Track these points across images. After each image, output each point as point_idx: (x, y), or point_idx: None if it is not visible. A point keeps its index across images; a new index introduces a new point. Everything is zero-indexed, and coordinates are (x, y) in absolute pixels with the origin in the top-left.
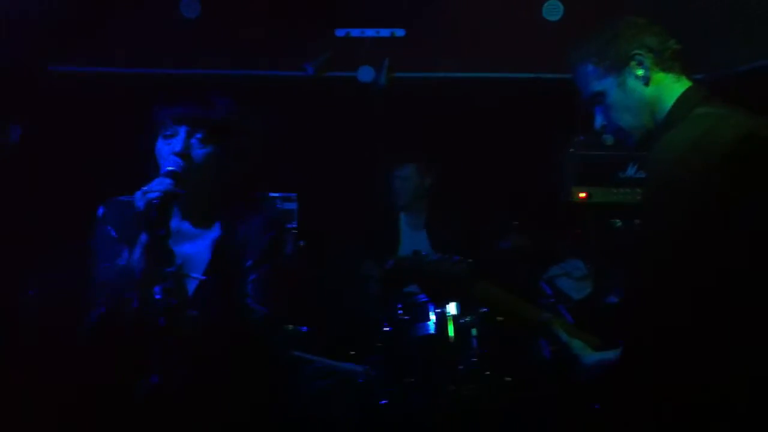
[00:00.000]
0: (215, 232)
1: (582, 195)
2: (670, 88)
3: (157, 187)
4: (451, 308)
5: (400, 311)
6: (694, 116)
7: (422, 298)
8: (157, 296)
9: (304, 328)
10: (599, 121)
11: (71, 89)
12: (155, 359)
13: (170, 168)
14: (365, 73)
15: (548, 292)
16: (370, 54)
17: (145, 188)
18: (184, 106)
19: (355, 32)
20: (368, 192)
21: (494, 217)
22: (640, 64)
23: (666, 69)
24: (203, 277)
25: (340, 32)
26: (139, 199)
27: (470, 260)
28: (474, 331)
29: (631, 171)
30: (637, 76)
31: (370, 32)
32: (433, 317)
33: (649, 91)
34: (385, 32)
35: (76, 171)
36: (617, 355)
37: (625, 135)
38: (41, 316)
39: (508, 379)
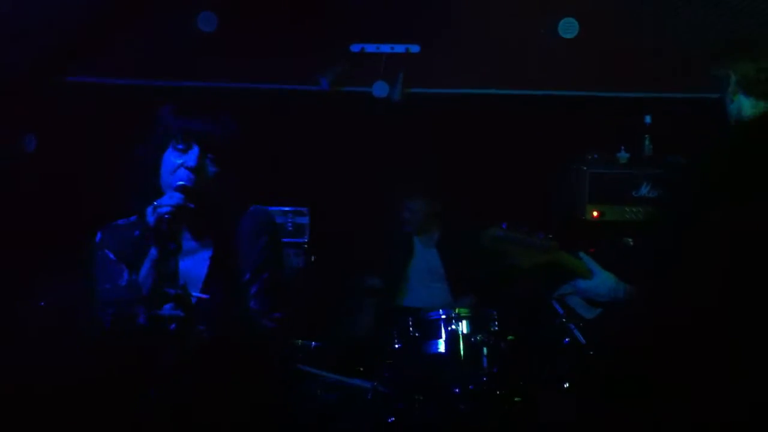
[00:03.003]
0: (211, 247)
1: (595, 213)
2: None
3: (169, 201)
4: (463, 326)
5: (410, 328)
6: None
7: (433, 315)
8: (166, 312)
9: (314, 343)
10: None
11: (88, 100)
12: (162, 372)
13: (181, 182)
14: (380, 88)
15: (559, 311)
16: (385, 69)
17: (156, 202)
18: (200, 121)
19: (370, 47)
20: (381, 208)
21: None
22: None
23: (747, 93)
24: (205, 296)
25: (355, 47)
26: (150, 213)
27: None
28: (485, 350)
29: (644, 190)
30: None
31: (384, 48)
32: (443, 335)
33: (731, 108)
34: (399, 48)
35: (90, 180)
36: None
37: None
38: (48, 326)
39: (518, 399)
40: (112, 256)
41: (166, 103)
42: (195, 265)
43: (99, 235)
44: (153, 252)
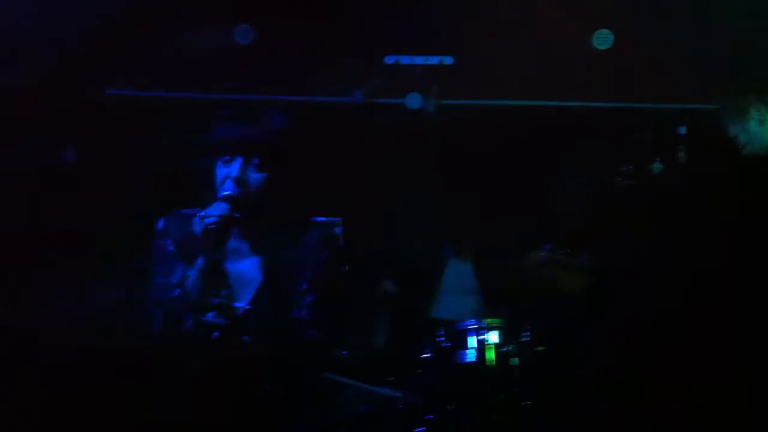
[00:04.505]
0: (269, 254)
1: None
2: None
3: (214, 212)
4: (493, 336)
5: (441, 338)
6: None
7: (464, 325)
8: (209, 320)
9: (344, 352)
10: None
11: (127, 112)
12: (202, 380)
13: (227, 193)
14: (414, 100)
15: None
16: (419, 81)
17: (202, 213)
18: (241, 129)
19: (404, 59)
20: (415, 219)
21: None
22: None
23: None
24: (248, 306)
25: (389, 59)
26: (197, 223)
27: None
28: (516, 361)
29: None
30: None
31: (418, 60)
32: (474, 344)
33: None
34: (433, 60)
35: (131, 189)
36: None
37: None
38: (88, 331)
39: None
40: (171, 247)
41: (213, 115)
42: (249, 269)
43: (162, 222)
44: (200, 261)
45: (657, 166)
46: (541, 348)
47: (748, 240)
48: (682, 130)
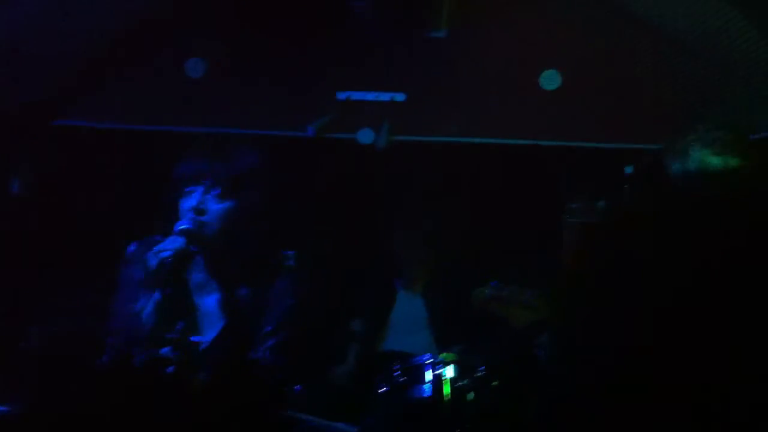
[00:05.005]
0: (237, 294)
1: (574, 262)
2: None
3: (170, 245)
4: (449, 371)
5: (396, 372)
6: None
7: (419, 360)
8: (164, 354)
9: (298, 387)
10: None
11: (76, 143)
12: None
13: (183, 226)
14: (365, 136)
15: (543, 359)
16: (370, 117)
17: (156, 248)
18: (201, 161)
19: (356, 95)
20: (365, 254)
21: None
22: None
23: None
24: (206, 340)
25: (341, 95)
26: (152, 258)
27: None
28: (471, 395)
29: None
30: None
31: (370, 96)
32: (429, 379)
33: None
34: (384, 96)
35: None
36: None
37: None
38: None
39: None
40: (139, 275)
41: (151, 149)
42: (213, 303)
43: (133, 246)
44: (157, 294)
45: (602, 205)
46: (495, 383)
47: (692, 275)
48: (628, 169)
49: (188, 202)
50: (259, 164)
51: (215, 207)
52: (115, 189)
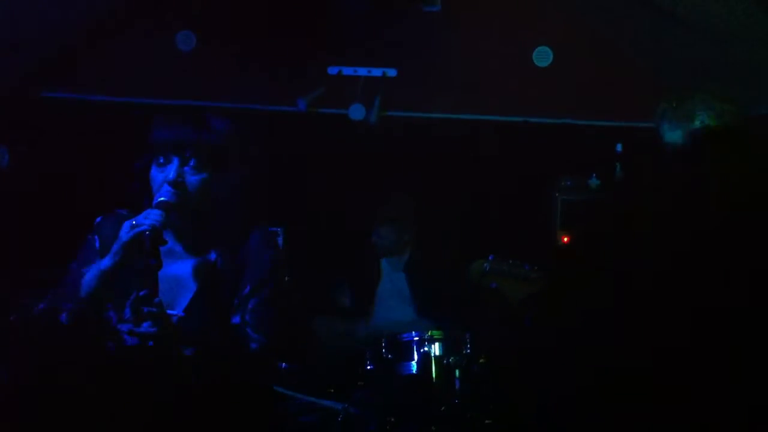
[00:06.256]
0: (208, 259)
1: (565, 239)
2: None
3: (145, 220)
4: (435, 348)
5: (383, 350)
6: None
7: (406, 337)
8: (143, 330)
9: (284, 365)
10: None
11: (64, 115)
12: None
13: (162, 198)
14: (356, 111)
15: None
16: (362, 92)
17: (134, 220)
18: (177, 130)
19: (347, 70)
20: (354, 229)
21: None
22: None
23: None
24: (181, 314)
25: (332, 70)
26: (126, 230)
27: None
28: (457, 372)
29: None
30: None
31: (362, 71)
32: (416, 357)
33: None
34: (376, 71)
35: (67, 196)
36: None
37: None
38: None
39: (489, 421)
40: (97, 244)
41: (147, 118)
42: (185, 272)
43: (99, 219)
44: (104, 262)
45: (594, 182)
46: (482, 360)
47: (688, 253)
48: (618, 147)
49: (164, 174)
50: (238, 135)
51: (193, 179)
52: (89, 160)
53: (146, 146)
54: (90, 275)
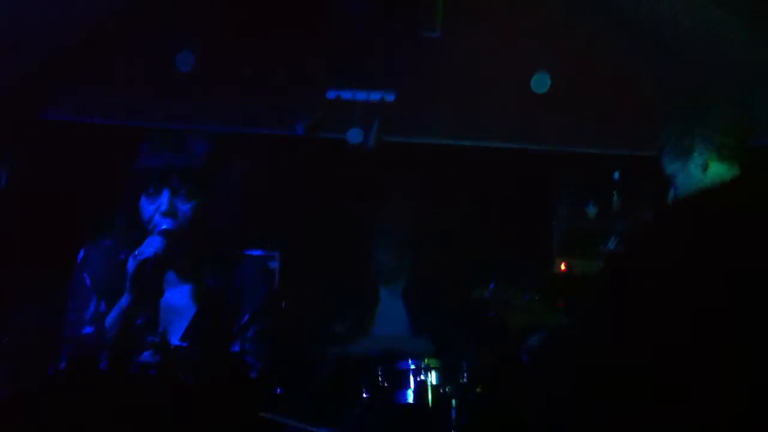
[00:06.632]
0: (204, 285)
1: (563, 266)
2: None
3: (149, 248)
4: (432, 377)
5: (380, 377)
6: None
7: (403, 365)
8: (145, 359)
9: (279, 390)
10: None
11: (62, 138)
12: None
13: (165, 227)
14: (355, 135)
15: (527, 362)
16: (360, 117)
17: (136, 252)
18: (162, 158)
19: (345, 95)
20: (351, 256)
21: (474, 286)
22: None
23: (721, 159)
24: (185, 343)
25: (331, 94)
26: (131, 261)
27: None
28: (453, 402)
29: (612, 243)
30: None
31: (360, 95)
32: (412, 385)
33: (700, 175)
34: (375, 95)
35: (59, 219)
36: None
37: None
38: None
39: None
40: (88, 282)
41: (135, 144)
42: (182, 301)
43: (82, 253)
44: (125, 300)
45: (591, 210)
46: (479, 390)
47: (689, 279)
48: (616, 175)
49: (155, 205)
50: (224, 158)
51: (185, 208)
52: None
53: (133, 174)
54: (112, 317)
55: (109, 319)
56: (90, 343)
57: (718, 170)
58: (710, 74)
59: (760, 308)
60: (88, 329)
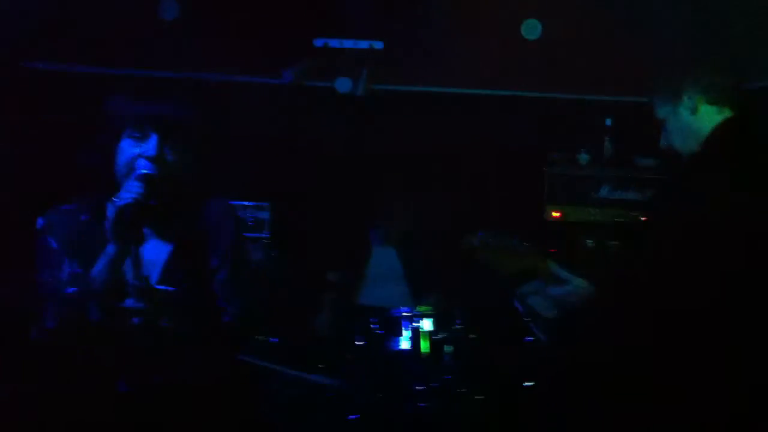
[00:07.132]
0: (175, 236)
1: (556, 214)
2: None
3: (130, 193)
4: (426, 324)
5: (374, 325)
6: None
7: (397, 313)
8: (128, 305)
9: (274, 339)
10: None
11: (44, 87)
12: (124, 367)
13: (144, 171)
14: (343, 84)
15: (520, 309)
16: (349, 64)
17: (115, 198)
18: (156, 107)
19: (333, 43)
20: (342, 205)
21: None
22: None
23: (711, 102)
24: (170, 288)
25: (318, 42)
26: (110, 208)
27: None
28: (447, 348)
29: (604, 191)
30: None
31: (348, 43)
32: (407, 332)
33: (691, 119)
34: (363, 44)
35: (39, 169)
36: None
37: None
38: None
39: (479, 397)
40: (54, 244)
41: (120, 90)
42: (154, 255)
43: (41, 221)
44: (110, 248)
45: (583, 157)
46: (472, 336)
47: (675, 234)
48: (608, 121)
49: (140, 149)
50: (213, 106)
51: (172, 158)
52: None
53: (114, 118)
54: (99, 268)
55: (96, 270)
56: (77, 299)
57: (707, 112)
58: (707, 17)
59: None
60: (70, 289)
